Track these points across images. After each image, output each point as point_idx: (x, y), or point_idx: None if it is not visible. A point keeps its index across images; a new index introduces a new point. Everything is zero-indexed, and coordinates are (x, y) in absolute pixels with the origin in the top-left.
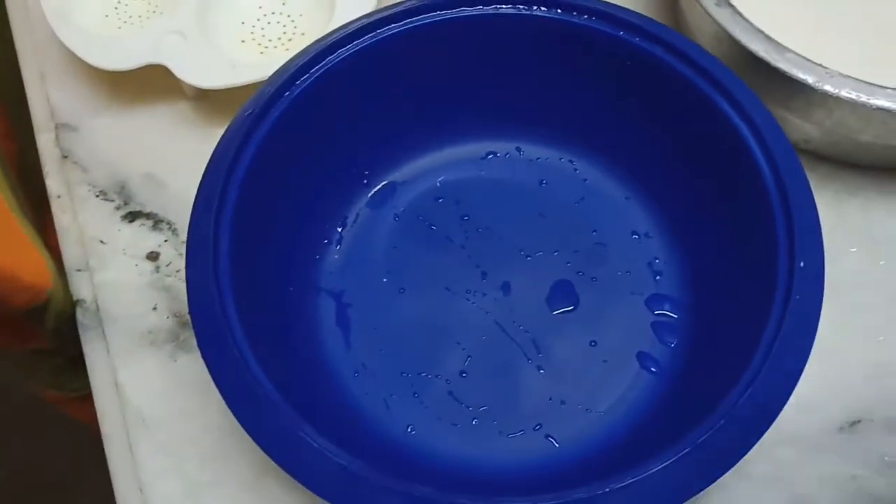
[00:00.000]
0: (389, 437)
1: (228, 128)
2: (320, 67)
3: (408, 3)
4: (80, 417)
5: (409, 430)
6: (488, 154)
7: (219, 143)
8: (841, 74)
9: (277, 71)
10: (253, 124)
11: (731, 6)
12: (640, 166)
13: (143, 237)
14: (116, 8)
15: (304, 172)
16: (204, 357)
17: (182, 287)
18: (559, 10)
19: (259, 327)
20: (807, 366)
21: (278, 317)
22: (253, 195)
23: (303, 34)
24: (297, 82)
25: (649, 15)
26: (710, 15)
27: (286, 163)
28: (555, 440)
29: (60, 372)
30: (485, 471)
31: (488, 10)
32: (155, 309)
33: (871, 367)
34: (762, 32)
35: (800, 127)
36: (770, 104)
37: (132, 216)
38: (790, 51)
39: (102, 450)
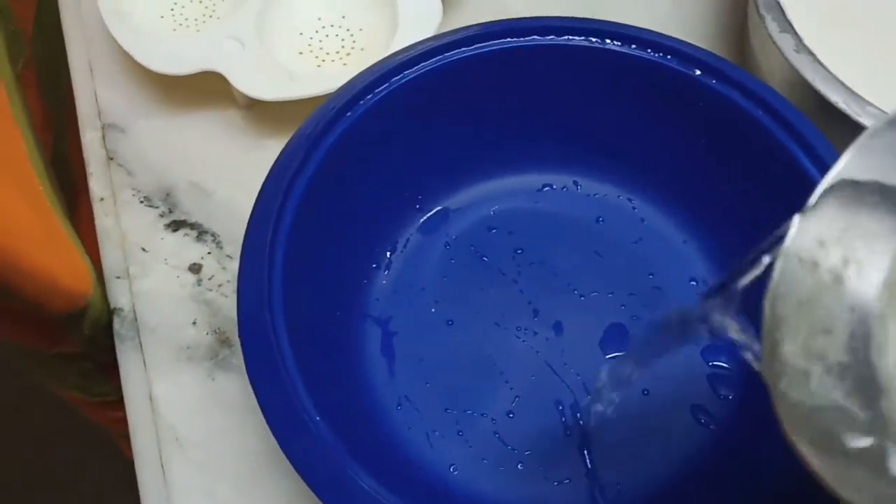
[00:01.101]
0: (431, 475)
1: (288, 145)
2: (384, 88)
3: (477, 28)
4: (101, 421)
5: (451, 469)
6: (544, 186)
7: (277, 161)
8: None
9: (341, 88)
10: (314, 143)
11: (811, 53)
12: (702, 210)
13: (186, 247)
14: (172, 10)
15: (359, 194)
16: (253, 384)
17: (223, 302)
18: (633, 46)
19: (306, 353)
20: None
21: (324, 342)
22: (309, 215)
23: (361, 49)
24: (361, 102)
25: (715, 52)
26: (788, 60)
27: (343, 183)
28: (602, 489)
29: (88, 376)
30: None
31: (560, 40)
32: (194, 324)
33: None
34: (842, 83)
35: None
36: None
37: (176, 225)
38: (871, 104)
39: (101, 450)
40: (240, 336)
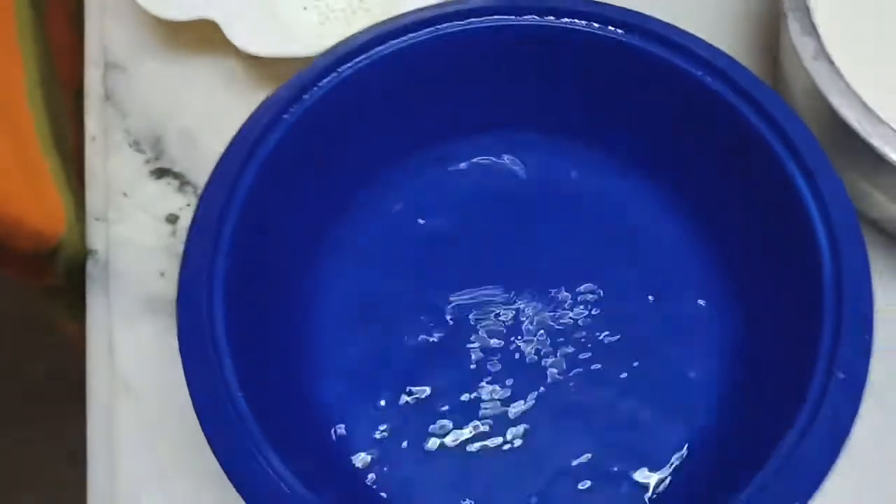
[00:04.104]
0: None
1: (255, 111)
2: (362, 59)
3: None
4: None
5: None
6: (523, 171)
7: (243, 127)
8: None
9: (324, 53)
10: (281, 110)
11: (831, 61)
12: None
13: (166, 196)
14: None
15: (322, 166)
16: (182, 355)
17: None
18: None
19: (245, 330)
20: (842, 480)
21: (266, 320)
22: (265, 189)
23: (367, 10)
24: (335, 73)
25: (750, 59)
26: (804, 68)
27: (305, 159)
28: None
29: (76, 305)
30: None
31: (560, 23)
32: (163, 275)
33: None
34: (858, 97)
35: (885, 207)
36: (855, 175)
37: (160, 172)
38: (886, 124)
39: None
40: (177, 307)
